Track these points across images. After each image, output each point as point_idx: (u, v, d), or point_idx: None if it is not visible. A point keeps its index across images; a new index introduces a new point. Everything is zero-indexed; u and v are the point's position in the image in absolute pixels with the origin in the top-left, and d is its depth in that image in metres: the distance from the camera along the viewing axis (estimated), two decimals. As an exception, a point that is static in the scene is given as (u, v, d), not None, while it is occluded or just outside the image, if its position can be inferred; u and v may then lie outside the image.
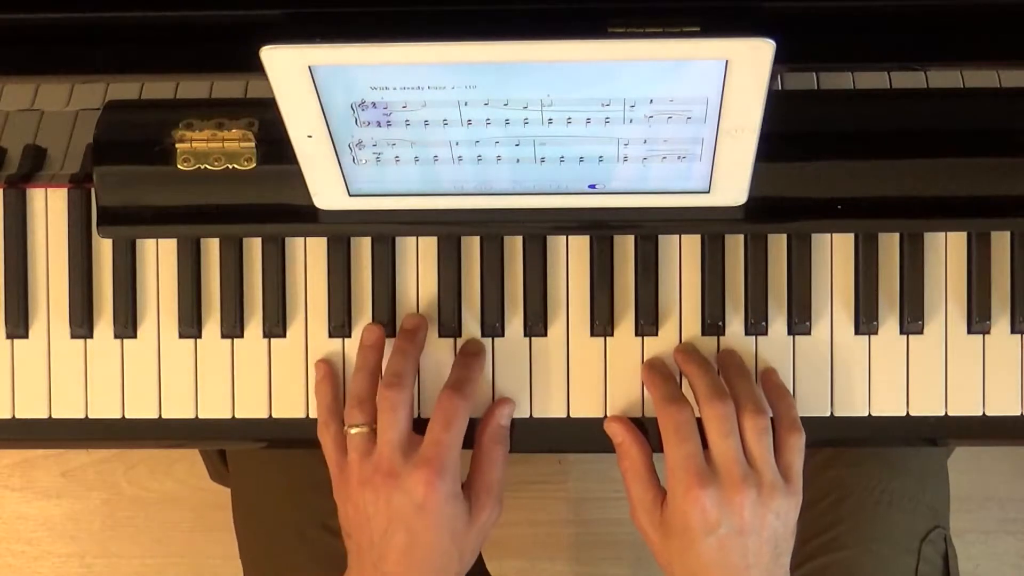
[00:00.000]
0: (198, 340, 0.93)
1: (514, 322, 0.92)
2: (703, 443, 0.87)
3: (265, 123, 0.88)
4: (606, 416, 0.92)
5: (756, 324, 0.92)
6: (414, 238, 0.92)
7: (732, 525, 0.85)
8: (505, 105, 0.75)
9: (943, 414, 0.92)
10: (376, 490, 0.87)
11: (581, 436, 0.93)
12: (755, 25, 0.70)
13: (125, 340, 0.93)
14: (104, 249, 0.93)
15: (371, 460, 0.87)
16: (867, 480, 1.04)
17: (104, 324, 0.93)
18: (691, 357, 0.91)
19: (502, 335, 0.92)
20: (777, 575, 0.87)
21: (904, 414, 0.92)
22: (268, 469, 1.06)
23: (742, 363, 0.91)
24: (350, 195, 0.84)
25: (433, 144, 0.79)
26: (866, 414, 0.92)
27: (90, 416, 0.93)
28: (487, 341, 0.92)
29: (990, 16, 0.76)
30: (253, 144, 0.89)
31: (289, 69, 0.72)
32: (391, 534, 0.87)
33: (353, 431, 0.89)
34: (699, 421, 0.88)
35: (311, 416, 0.93)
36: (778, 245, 0.92)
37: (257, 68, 0.72)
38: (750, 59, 0.71)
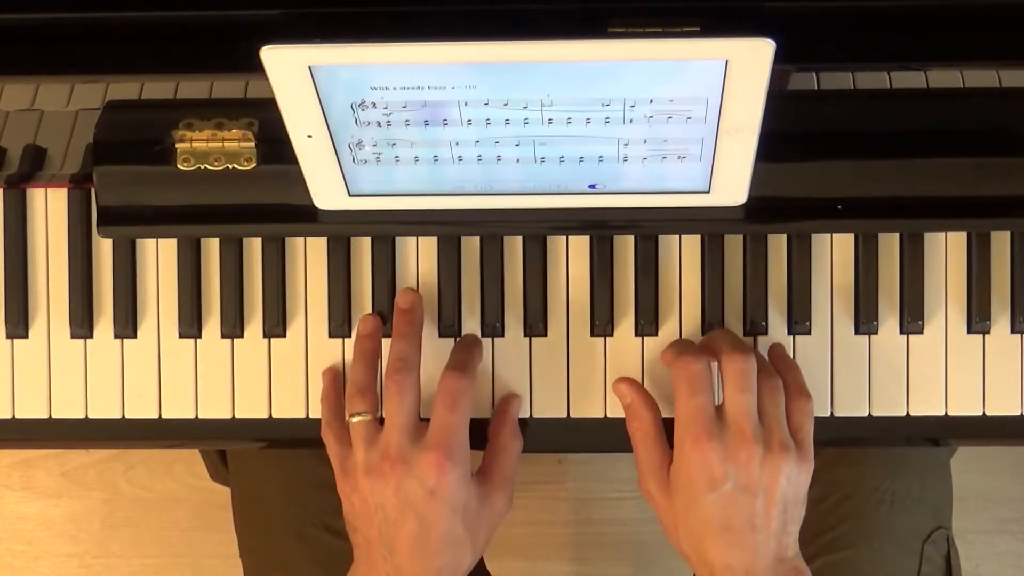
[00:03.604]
0: (198, 340, 0.93)
1: (514, 322, 0.92)
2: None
3: (265, 123, 0.88)
4: (606, 416, 0.92)
5: (756, 324, 0.92)
6: (414, 238, 0.92)
7: (738, 481, 0.84)
8: (505, 105, 0.75)
9: (943, 414, 0.92)
10: (384, 478, 0.86)
11: (581, 436, 0.93)
12: (755, 25, 0.70)
13: (125, 340, 0.93)
14: (104, 249, 0.93)
15: (377, 447, 0.87)
16: (869, 480, 1.03)
17: (104, 324, 0.93)
18: (713, 330, 0.91)
19: (502, 335, 0.92)
20: (785, 544, 0.86)
21: (904, 414, 0.92)
22: (268, 469, 1.06)
23: (752, 345, 0.91)
24: (350, 195, 0.84)
25: (433, 144, 0.79)
26: (866, 414, 0.92)
27: (90, 416, 0.93)
28: (487, 341, 0.92)
29: (990, 16, 0.76)
30: (253, 144, 0.89)
31: (289, 69, 0.72)
32: (401, 522, 0.86)
33: (355, 419, 0.88)
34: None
35: (311, 416, 0.93)
36: (778, 245, 0.92)
37: (257, 68, 0.72)
38: (750, 59, 0.71)
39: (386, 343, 0.91)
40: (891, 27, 0.76)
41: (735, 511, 0.84)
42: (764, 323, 0.92)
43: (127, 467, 1.62)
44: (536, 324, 0.92)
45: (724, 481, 0.84)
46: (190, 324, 0.93)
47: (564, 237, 0.92)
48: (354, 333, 0.92)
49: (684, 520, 0.86)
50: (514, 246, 0.93)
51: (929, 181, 0.89)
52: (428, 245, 0.93)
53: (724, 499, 0.84)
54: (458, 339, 0.92)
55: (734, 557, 0.84)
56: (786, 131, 0.86)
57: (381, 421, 0.88)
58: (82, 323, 0.93)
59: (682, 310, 0.92)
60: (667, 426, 0.88)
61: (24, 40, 0.77)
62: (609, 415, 0.92)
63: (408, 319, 0.90)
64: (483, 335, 0.92)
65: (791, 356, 0.92)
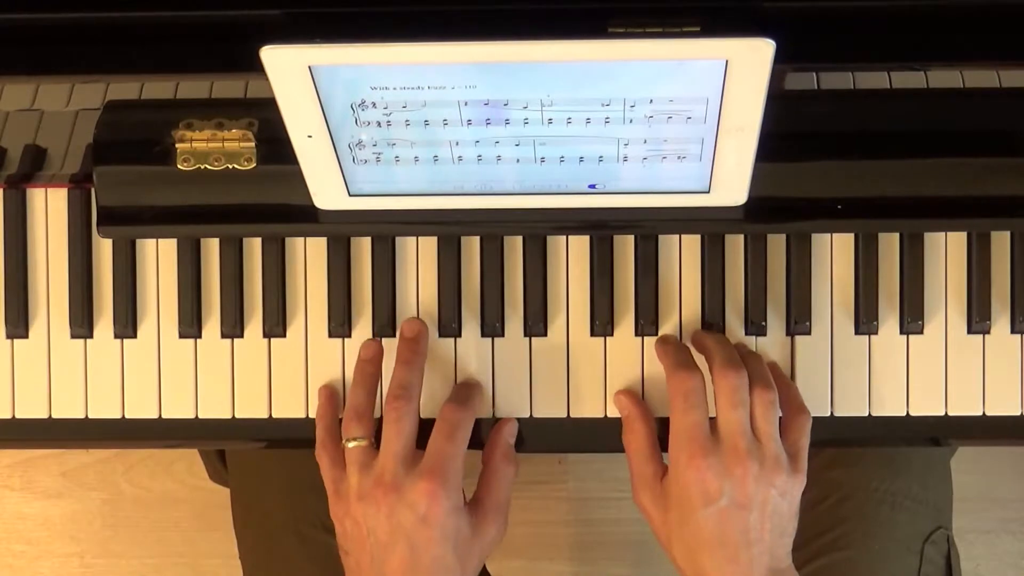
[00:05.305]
0: (198, 340, 0.93)
1: (514, 322, 0.92)
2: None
3: (265, 123, 0.88)
4: (606, 416, 0.92)
5: (756, 324, 0.92)
6: (414, 238, 0.92)
7: (733, 497, 0.84)
8: (505, 105, 0.75)
9: (943, 414, 0.92)
10: (377, 503, 0.86)
11: (581, 436, 0.93)
12: (755, 25, 0.70)
13: (125, 340, 0.93)
14: (104, 249, 0.93)
15: (371, 473, 0.87)
16: (869, 480, 1.04)
17: (104, 324, 0.93)
18: (709, 333, 0.91)
19: (502, 335, 0.92)
20: (779, 556, 0.86)
21: (904, 414, 0.92)
22: (268, 469, 1.06)
23: (752, 351, 0.91)
24: (350, 195, 0.84)
25: (433, 144, 0.79)
26: (866, 414, 0.92)
27: (90, 416, 0.93)
28: (487, 341, 0.92)
29: (990, 16, 0.76)
30: (253, 144, 0.89)
31: (289, 69, 0.72)
32: (392, 548, 0.86)
33: (351, 444, 0.88)
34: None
35: (311, 416, 0.93)
36: (778, 245, 0.92)
37: (257, 68, 0.72)
38: (750, 59, 0.71)
39: (387, 346, 0.92)
40: (891, 27, 0.76)
41: (730, 526, 0.84)
42: (764, 323, 0.92)
43: (127, 467, 1.62)
44: (536, 324, 0.92)
45: (719, 497, 0.84)
46: (190, 324, 0.93)
47: (564, 237, 0.92)
48: (354, 334, 0.92)
49: (679, 534, 0.86)
50: (514, 246, 0.93)
51: (929, 181, 0.89)
52: (428, 245, 0.93)
53: (719, 515, 0.84)
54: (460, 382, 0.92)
55: (729, 572, 0.85)
56: (786, 131, 0.86)
57: (377, 445, 0.88)
58: (82, 323, 0.93)
59: (682, 310, 0.92)
60: (663, 424, 0.89)
61: (24, 40, 0.77)
62: (609, 415, 0.92)
63: (413, 347, 0.90)
64: (483, 335, 0.92)
65: (791, 355, 0.92)
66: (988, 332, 0.92)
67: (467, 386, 0.91)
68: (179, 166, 0.89)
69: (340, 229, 0.91)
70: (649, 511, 0.89)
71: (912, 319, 0.92)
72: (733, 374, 0.86)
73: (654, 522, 0.89)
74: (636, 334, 0.92)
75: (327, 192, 0.84)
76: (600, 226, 0.91)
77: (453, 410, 0.88)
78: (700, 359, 0.89)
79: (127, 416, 0.93)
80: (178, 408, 0.93)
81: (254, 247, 0.93)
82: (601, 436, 0.92)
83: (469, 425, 0.89)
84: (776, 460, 0.85)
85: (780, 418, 0.88)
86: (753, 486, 0.84)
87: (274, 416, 0.93)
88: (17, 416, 0.94)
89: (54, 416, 0.94)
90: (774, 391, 0.87)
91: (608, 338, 0.92)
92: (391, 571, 0.86)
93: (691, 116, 0.76)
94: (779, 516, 0.86)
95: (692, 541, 0.85)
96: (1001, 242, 0.92)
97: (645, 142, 0.79)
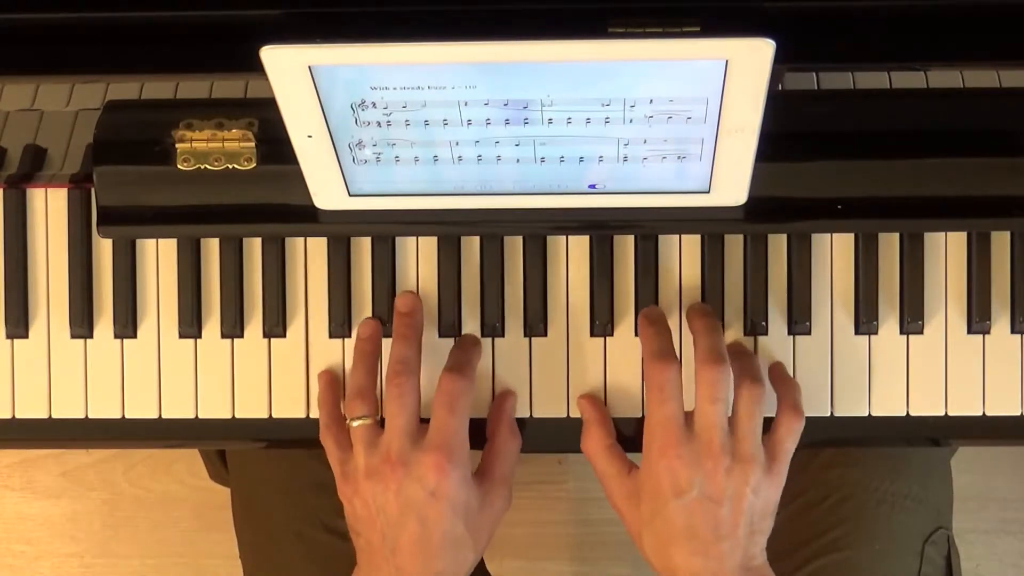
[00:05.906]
0: (198, 340, 0.93)
1: (514, 322, 0.92)
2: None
3: (265, 123, 0.88)
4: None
5: (756, 324, 0.92)
6: (414, 238, 0.92)
7: (704, 490, 0.84)
8: (505, 105, 0.75)
9: (943, 414, 0.92)
10: (385, 480, 0.86)
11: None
12: (755, 25, 0.70)
13: (125, 340, 0.93)
14: (104, 249, 0.93)
15: (378, 450, 0.87)
16: (869, 481, 1.03)
17: (104, 324, 0.93)
18: (701, 315, 0.90)
19: (502, 335, 0.92)
20: (752, 553, 0.86)
21: (904, 414, 0.92)
22: (268, 469, 1.06)
23: (747, 348, 0.91)
24: (350, 195, 0.84)
25: (433, 144, 0.79)
26: (866, 414, 0.92)
27: (90, 416, 0.93)
28: (487, 341, 0.92)
29: (990, 16, 0.76)
30: (253, 144, 0.89)
31: (289, 69, 0.72)
32: (403, 524, 0.86)
33: (355, 423, 0.88)
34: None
35: (311, 416, 0.93)
36: (778, 245, 0.92)
37: (257, 68, 0.72)
38: (750, 59, 0.71)
39: (386, 344, 0.92)
40: (891, 27, 0.76)
41: (701, 519, 0.84)
42: (764, 323, 0.92)
43: (127, 467, 1.62)
44: (536, 324, 0.92)
45: (689, 489, 0.84)
46: (190, 324, 0.93)
47: (564, 237, 0.92)
48: (354, 334, 0.92)
49: (650, 527, 0.86)
50: (514, 246, 0.93)
51: (929, 181, 0.89)
52: (428, 245, 0.93)
53: (689, 507, 0.84)
54: (457, 340, 0.92)
55: (699, 565, 0.85)
56: (786, 131, 0.86)
57: (381, 423, 0.89)
58: (82, 323, 0.93)
59: (682, 310, 0.92)
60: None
61: (24, 40, 0.77)
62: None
63: (408, 322, 0.90)
64: (483, 335, 0.92)
65: (792, 355, 0.92)
66: (988, 332, 0.92)
67: (464, 348, 0.91)
68: (179, 166, 0.89)
69: (340, 229, 0.91)
70: (621, 508, 0.89)
71: (912, 319, 0.92)
72: (715, 367, 0.85)
73: (626, 518, 0.89)
74: (636, 334, 0.92)
75: (327, 192, 0.84)
76: (600, 226, 0.91)
77: (451, 380, 0.88)
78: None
79: (127, 416, 0.93)
80: (178, 408, 0.93)
81: (254, 247, 0.93)
82: (601, 436, 0.92)
83: (470, 393, 0.88)
84: (752, 457, 0.85)
85: (772, 416, 0.88)
86: (725, 480, 0.84)
87: (274, 416, 0.93)
88: (17, 416, 0.94)
89: (54, 416, 0.94)
90: (762, 388, 0.87)
91: (608, 338, 0.92)
92: (403, 547, 0.86)
93: (691, 116, 0.76)
94: (752, 513, 0.85)
95: (663, 534, 0.85)
96: (1001, 242, 0.92)
97: (645, 142, 0.79)
